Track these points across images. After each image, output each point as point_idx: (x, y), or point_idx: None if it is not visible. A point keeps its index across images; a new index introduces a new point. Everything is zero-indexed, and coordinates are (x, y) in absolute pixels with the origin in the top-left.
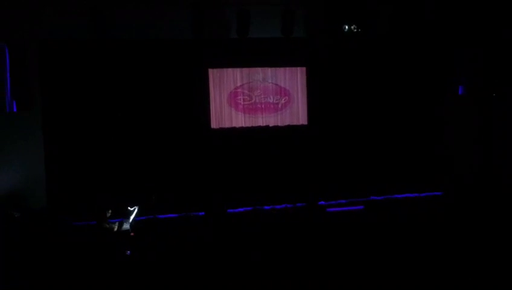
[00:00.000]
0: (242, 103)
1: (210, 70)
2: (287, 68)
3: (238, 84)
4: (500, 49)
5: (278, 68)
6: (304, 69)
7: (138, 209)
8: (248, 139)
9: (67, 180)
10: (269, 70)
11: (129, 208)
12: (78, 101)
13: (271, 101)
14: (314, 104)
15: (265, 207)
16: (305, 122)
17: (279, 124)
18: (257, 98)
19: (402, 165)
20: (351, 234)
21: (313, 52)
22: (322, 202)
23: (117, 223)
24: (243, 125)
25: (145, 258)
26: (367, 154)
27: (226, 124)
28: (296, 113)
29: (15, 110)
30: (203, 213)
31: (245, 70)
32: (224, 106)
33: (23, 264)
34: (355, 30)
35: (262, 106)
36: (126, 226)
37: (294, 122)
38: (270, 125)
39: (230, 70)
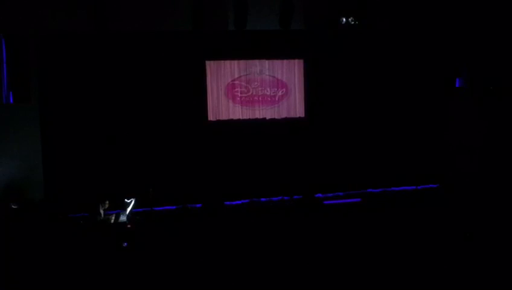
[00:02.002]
0: (239, 95)
1: (207, 63)
2: (285, 60)
3: (236, 76)
4: (498, 41)
5: (275, 60)
6: (302, 61)
7: (135, 201)
8: (245, 132)
9: (65, 172)
10: (266, 63)
11: (126, 200)
12: (75, 93)
13: (268, 93)
14: (311, 97)
15: (262, 199)
16: (302, 115)
17: (276, 117)
18: (254, 90)
19: (399, 158)
20: (348, 226)
21: (310, 45)
22: (319, 195)
23: (114, 215)
24: (240, 117)
25: (142, 250)
26: (364, 147)
27: (223, 117)
28: (293, 106)
29: (11, 101)
30: (200, 205)
31: (242, 62)
32: (222, 98)
33: (20, 256)
34: (353, 23)
35: (260, 98)
36: (123, 218)
37: (292, 115)
38: (267, 117)
39: (227, 62)
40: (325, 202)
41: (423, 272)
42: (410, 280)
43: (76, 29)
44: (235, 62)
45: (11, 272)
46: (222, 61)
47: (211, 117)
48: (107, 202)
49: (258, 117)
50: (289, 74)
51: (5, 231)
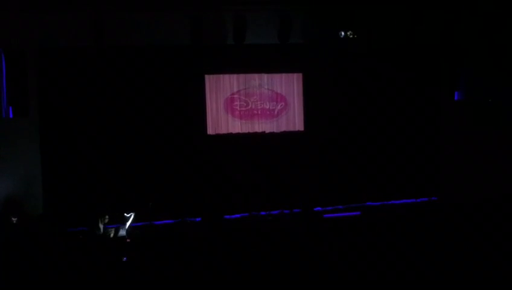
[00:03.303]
0: (238, 109)
1: (206, 77)
2: (284, 74)
3: (235, 90)
4: (496, 54)
5: (274, 74)
6: (301, 75)
7: (134, 216)
8: (244, 146)
9: (64, 186)
10: (265, 77)
11: (125, 214)
12: (74, 107)
13: (267, 107)
14: (310, 111)
15: (262, 213)
16: (302, 129)
17: (276, 131)
18: (253, 104)
19: (398, 171)
20: (347, 239)
21: (309, 59)
22: (319, 208)
23: (113, 230)
24: (239, 131)
25: (141, 264)
26: (363, 160)
27: (223, 130)
28: (293, 120)
29: (11, 116)
30: (199, 219)
31: (241, 76)
32: (221, 112)
33: (19, 270)
34: (352, 36)
35: (259, 112)
36: (122, 232)
37: (291, 129)
38: (267, 131)
39: (226, 76)
40: (325, 215)
41: (424, 286)
42: None
43: (76, 43)
44: (234, 76)
45: (11, 286)
46: (221, 75)
47: (210, 131)
48: (107, 216)
49: (257, 131)
50: (288, 87)
51: (5, 244)
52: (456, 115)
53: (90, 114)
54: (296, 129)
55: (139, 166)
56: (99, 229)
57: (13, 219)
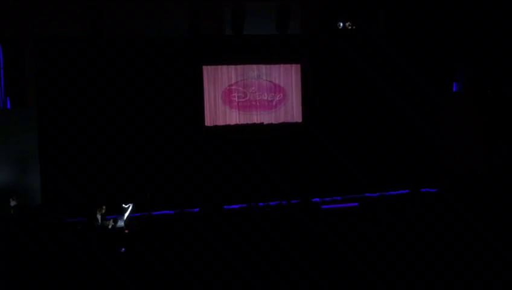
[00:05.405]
0: (236, 100)
1: (204, 68)
2: (282, 65)
3: (233, 81)
4: (494, 46)
5: (272, 65)
6: (299, 66)
7: (133, 206)
8: (242, 137)
9: (62, 177)
10: (264, 67)
11: (124, 205)
12: (73, 99)
13: (265, 98)
14: (308, 102)
15: (260, 204)
16: (300, 120)
17: (274, 122)
18: (252, 95)
19: (396, 162)
20: (345, 230)
21: (307, 49)
22: (317, 199)
23: (112, 220)
24: (237, 122)
25: (139, 255)
26: (361, 151)
27: (221, 122)
28: (291, 111)
29: (9, 107)
30: (197, 210)
31: (239, 67)
32: (219, 103)
33: (17, 261)
34: (350, 27)
35: (257, 103)
36: (121, 223)
37: (289, 120)
38: (265, 122)
39: (224, 67)
40: (323, 206)
41: (421, 276)
42: (407, 284)
43: (73, 33)
44: (232, 67)
45: (9, 276)
46: (219, 66)
47: (208, 122)
48: (104, 207)
49: (256, 122)
50: (286, 78)
51: (4, 231)
52: (454, 106)
53: (89, 105)
54: (294, 120)
55: (138, 157)
56: (97, 219)
57: (12, 201)
